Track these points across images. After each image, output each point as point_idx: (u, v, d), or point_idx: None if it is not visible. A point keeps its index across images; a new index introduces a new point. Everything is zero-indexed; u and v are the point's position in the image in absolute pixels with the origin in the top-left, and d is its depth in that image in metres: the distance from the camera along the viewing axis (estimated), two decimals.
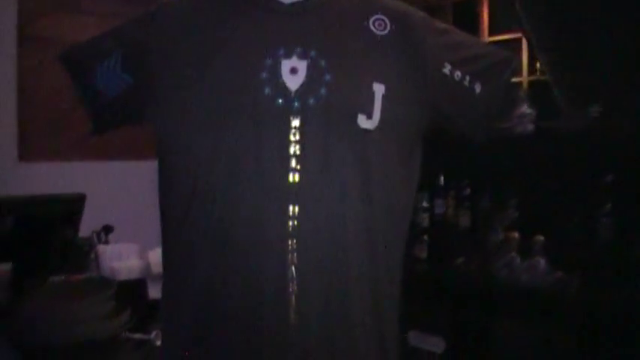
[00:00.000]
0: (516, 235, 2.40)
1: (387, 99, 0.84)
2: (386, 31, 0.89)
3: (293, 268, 0.82)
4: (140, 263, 1.87)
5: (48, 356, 1.49)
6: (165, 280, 0.93)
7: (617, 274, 2.25)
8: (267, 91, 0.82)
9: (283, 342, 0.82)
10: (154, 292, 1.84)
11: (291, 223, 0.81)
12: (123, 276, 1.82)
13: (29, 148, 3.18)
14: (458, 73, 0.89)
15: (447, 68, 0.90)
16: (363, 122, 0.83)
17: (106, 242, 2.19)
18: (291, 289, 0.81)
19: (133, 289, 1.79)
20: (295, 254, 0.81)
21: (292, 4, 0.88)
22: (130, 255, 1.92)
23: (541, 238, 2.32)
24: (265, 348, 0.82)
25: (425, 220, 2.68)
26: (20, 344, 1.54)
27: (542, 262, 2.28)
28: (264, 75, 0.82)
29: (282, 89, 0.82)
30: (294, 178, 0.82)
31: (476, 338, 2.40)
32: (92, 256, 2.23)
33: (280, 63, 0.83)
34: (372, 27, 0.89)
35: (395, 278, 0.91)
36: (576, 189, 2.31)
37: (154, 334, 1.56)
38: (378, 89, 0.84)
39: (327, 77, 0.83)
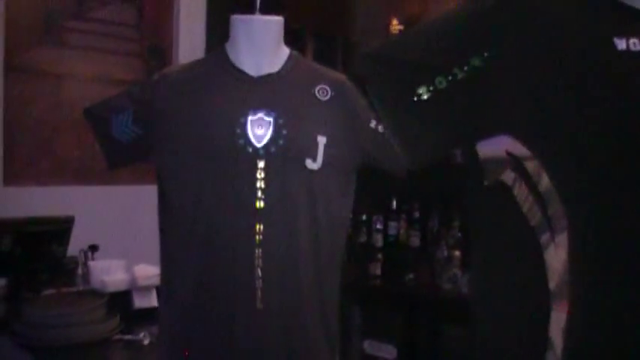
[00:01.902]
0: (459, 252, 2.77)
1: (328, 147, 1.20)
2: (327, 97, 1.25)
3: (259, 270, 1.17)
4: (127, 277, 2.19)
5: (52, 355, 1.80)
6: (162, 276, 1.27)
7: None
8: (240, 141, 1.17)
9: (252, 322, 1.17)
10: (139, 301, 2.17)
11: (257, 237, 1.17)
12: (112, 288, 2.14)
13: (14, 174, 3.46)
14: (380, 127, 1.25)
15: (373, 123, 1.26)
16: (310, 164, 1.19)
17: (93, 260, 2.50)
18: (257, 285, 1.16)
19: (120, 299, 2.11)
20: (260, 260, 1.16)
21: (258, 76, 1.24)
22: (118, 270, 2.24)
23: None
24: (239, 326, 1.17)
25: (379, 240, 3.02)
26: (26, 345, 1.85)
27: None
28: (237, 130, 1.18)
29: (250, 142, 1.17)
30: (259, 204, 1.17)
31: (425, 344, 2.75)
32: (79, 272, 2.54)
33: (249, 121, 1.18)
34: (317, 94, 1.25)
35: (335, 274, 1.26)
36: None
37: (141, 335, 1.88)
38: (321, 140, 1.19)
39: (284, 132, 1.19)
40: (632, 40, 0.71)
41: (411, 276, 2.90)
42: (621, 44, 0.71)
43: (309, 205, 1.19)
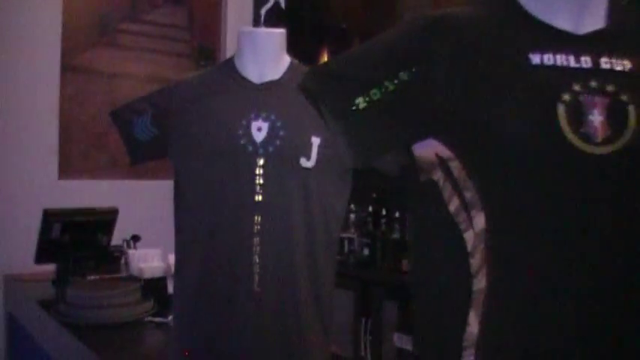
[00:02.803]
0: None
1: (322, 147, 1.34)
2: None
3: (256, 256, 1.32)
4: (162, 265, 2.39)
5: (90, 333, 2.00)
6: (176, 261, 1.44)
7: None
8: (242, 141, 1.33)
9: (250, 303, 1.32)
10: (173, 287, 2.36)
11: (256, 227, 1.32)
12: (148, 275, 2.33)
13: (68, 168, 3.71)
14: None
15: None
16: (304, 163, 1.33)
17: (135, 249, 2.71)
18: (255, 270, 1.32)
19: (155, 285, 2.30)
20: (258, 247, 1.32)
21: (260, 83, 1.40)
22: (154, 258, 2.44)
23: None
24: (238, 306, 1.32)
25: None
26: (67, 324, 2.06)
27: None
28: (240, 132, 1.33)
29: (252, 142, 1.33)
30: (258, 198, 1.32)
31: None
32: (122, 260, 2.76)
33: (251, 123, 1.34)
34: None
35: (329, 262, 1.40)
36: None
37: (169, 318, 2.06)
38: (315, 141, 1.33)
39: (281, 133, 1.33)
40: (546, 55, 0.83)
41: None
42: (535, 59, 0.82)
43: (303, 199, 1.34)
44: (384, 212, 3.23)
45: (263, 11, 1.44)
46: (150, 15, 4.06)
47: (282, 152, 1.32)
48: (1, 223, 3.23)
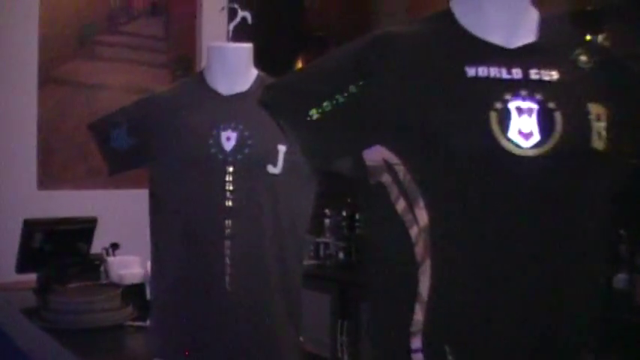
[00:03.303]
0: None
1: (288, 154, 1.43)
2: None
3: (228, 258, 1.41)
4: (141, 271, 2.46)
5: (73, 337, 2.07)
6: (153, 265, 1.52)
7: None
8: (212, 150, 1.42)
9: (222, 301, 1.41)
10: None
11: (227, 230, 1.41)
12: (128, 281, 2.41)
13: (47, 178, 3.77)
14: None
15: None
16: (271, 169, 1.42)
17: (114, 256, 2.78)
18: (226, 270, 1.40)
19: (135, 291, 2.38)
20: (229, 250, 1.40)
21: (229, 95, 1.49)
22: (133, 265, 2.52)
23: None
24: (211, 304, 1.41)
25: None
26: (51, 329, 2.13)
27: None
28: (210, 141, 1.42)
29: (221, 150, 1.41)
30: (229, 203, 1.41)
31: None
32: (102, 268, 2.83)
33: (221, 133, 1.43)
34: None
35: (296, 262, 1.50)
36: None
37: (148, 322, 2.13)
38: (281, 149, 1.42)
39: (249, 142, 1.42)
40: (480, 68, 0.92)
41: None
42: (471, 71, 0.92)
43: (271, 203, 1.43)
44: (357, 216, 3.33)
45: (231, 27, 1.53)
46: (127, 26, 4.14)
47: (250, 160, 1.41)
48: None
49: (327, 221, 3.41)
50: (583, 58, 0.98)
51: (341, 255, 3.31)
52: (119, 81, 4.03)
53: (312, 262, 3.44)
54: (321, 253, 3.38)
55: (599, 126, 0.93)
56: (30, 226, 2.64)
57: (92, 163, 3.71)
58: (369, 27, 4.48)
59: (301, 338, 1.58)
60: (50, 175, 3.76)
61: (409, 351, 0.93)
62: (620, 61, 1.04)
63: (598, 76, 0.98)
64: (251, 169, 1.41)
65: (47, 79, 3.83)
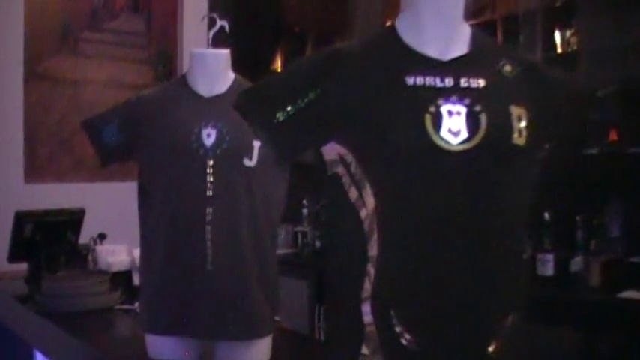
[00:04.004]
0: None
1: (262, 149, 1.61)
2: None
3: (209, 241, 1.59)
4: (128, 258, 2.65)
5: (65, 319, 2.25)
6: (141, 249, 1.71)
7: None
8: (194, 146, 1.60)
9: (204, 279, 1.60)
10: (138, 278, 2.61)
11: (207, 217, 1.59)
12: (115, 268, 2.59)
13: (34, 172, 3.92)
14: None
15: None
16: (247, 162, 1.61)
17: (101, 245, 2.96)
18: (208, 252, 1.59)
19: (122, 277, 2.56)
20: (210, 234, 1.59)
21: (209, 97, 1.67)
22: (121, 253, 2.70)
23: None
24: (195, 283, 1.60)
25: None
26: (44, 312, 2.31)
27: None
28: (192, 138, 1.60)
29: (202, 146, 1.60)
30: (209, 193, 1.60)
31: None
32: (90, 257, 3.00)
33: (202, 131, 1.61)
34: None
35: (271, 245, 1.69)
36: None
37: (136, 305, 2.32)
38: (256, 144, 1.61)
39: (227, 138, 1.61)
40: (418, 78, 1.11)
41: None
42: (410, 80, 1.11)
43: (247, 193, 1.62)
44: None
45: (210, 35, 1.72)
46: (110, 23, 4.29)
47: (228, 154, 1.60)
48: None
49: (304, 211, 3.60)
50: (507, 67, 1.18)
51: (317, 243, 3.51)
52: (102, 76, 4.19)
53: (291, 250, 3.63)
54: (299, 241, 3.58)
55: (520, 125, 1.13)
56: (21, 218, 2.81)
57: (78, 156, 3.87)
58: (346, 22, 4.67)
59: (277, 317, 1.77)
60: (36, 169, 3.91)
61: (361, 315, 1.12)
62: (540, 69, 1.24)
63: (520, 82, 1.17)
64: (229, 163, 1.60)
65: (32, 74, 3.96)
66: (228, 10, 4.45)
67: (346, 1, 4.46)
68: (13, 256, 2.83)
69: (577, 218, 2.89)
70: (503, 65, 1.18)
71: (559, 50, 3.46)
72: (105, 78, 4.20)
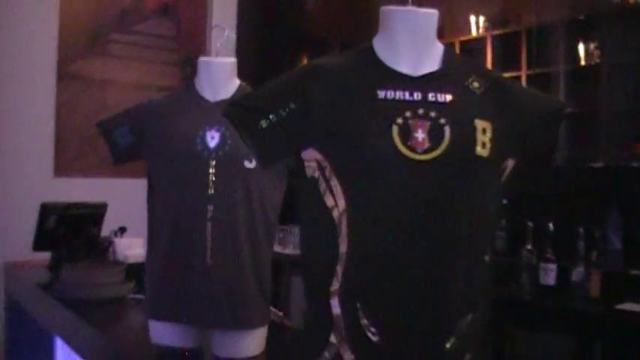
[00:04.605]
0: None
1: None
2: None
3: (210, 237, 1.73)
4: (143, 251, 2.79)
5: (82, 307, 2.41)
6: (148, 242, 1.85)
7: (509, 275, 3.12)
8: (199, 148, 1.74)
9: (204, 273, 1.74)
10: None
11: (208, 213, 1.73)
12: (131, 260, 2.75)
13: (62, 167, 4.13)
14: None
15: None
16: (247, 164, 1.74)
17: (121, 238, 3.12)
18: (207, 246, 1.73)
19: (137, 268, 2.71)
20: (210, 229, 1.73)
21: (215, 102, 1.81)
22: (137, 246, 2.86)
23: None
24: (195, 276, 1.74)
25: None
26: (62, 299, 2.48)
27: None
28: (197, 140, 1.75)
29: (206, 147, 1.74)
30: (211, 191, 1.74)
31: None
32: (110, 250, 3.17)
33: (206, 133, 1.75)
34: None
35: (268, 242, 1.82)
36: None
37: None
38: None
39: (229, 141, 1.75)
40: (388, 92, 1.23)
41: None
42: (381, 94, 1.23)
43: (245, 193, 1.76)
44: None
45: (217, 44, 1.86)
46: (139, 26, 4.48)
47: (230, 156, 1.74)
48: (2, 215, 3.66)
49: None
50: (475, 83, 1.29)
51: None
52: (130, 78, 4.37)
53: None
54: None
55: (484, 137, 1.24)
56: (46, 210, 2.99)
57: (103, 153, 4.03)
58: (369, 28, 4.80)
59: (272, 309, 1.90)
60: (65, 164, 4.11)
61: (330, 307, 1.24)
62: (509, 86, 1.35)
63: (487, 97, 1.28)
64: (230, 164, 1.74)
65: (64, 75, 4.17)
66: (253, 17, 4.63)
67: (369, 7, 4.56)
68: (38, 246, 3.01)
69: (579, 230, 2.97)
70: (471, 81, 1.29)
71: (582, 62, 3.53)
72: (133, 79, 4.39)
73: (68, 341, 2.46)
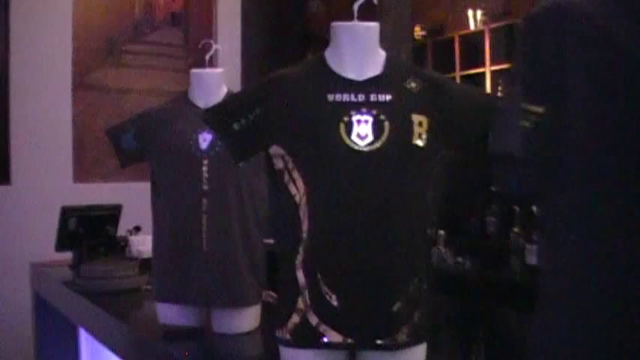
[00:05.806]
0: (443, 232, 3.52)
1: None
2: None
3: (205, 227, 2.03)
4: None
5: (100, 298, 2.72)
6: (153, 235, 2.16)
7: (499, 257, 3.37)
8: (192, 149, 2.04)
9: (201, 259, 2.03)
10: None
11: (204, 206, 2.03)
12: (145, 255, 3.06)
13: (81, 172, 4.47)
14: None
15: None
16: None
17: (136, 236, 3.44)
18: (203, 235, 2.02)
19: (150, 263, 3.01)
20: (205, 220, 2.02)
21: (206, 108, 2.10)
22: (150, 242, 3.15)
23: (442, 232, 3.46)
24: (194, 262, 2.03)
25: None
26: (83, 292, 2.79)
27: (444, 250, 3.41)
28: (191, 142, 2.04)
29: (199, 149, 2.03)
30: (205, 187, 2.02)
31: None
32: (127, 248, 3.48)
33: (199, 136, 2.04)
34: None
35: (258, 231, 2.10)
36: (470, 196, 3.43)
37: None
38: None
39: (219, 142, 2.04)
40: (336, 95, 1.51)
41: None
42: (330, 97, 1.50)
43: (236, 187, 2.04)
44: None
45: (207, 57, 2.16)
46: (150, 36, 4.80)
47: (220, 155, 2.03)
48: (26, 219, 4.03)
49: None
50: (413, 84, 1.56)
51: None
52: (143, 85, 4.70)
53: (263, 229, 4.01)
54: None
55: (420, 129, 1.51)
56: (66, 212, 3.31)
57: (117, 160, 4.36)
58: None
59: (269, 292, 2.19)
60: (83, 170, 4.44)
61: (296, 278, 1.52)
62: (444, 84, 1.61)
63: (424, 95, 1.55)
64: (221, 162, 2.02)
65: (80, 84, 4.51)
66: (258, 21, 4.93)
67: (374, 9, 4.81)
68: (60, 246, 3.32)
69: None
70: (409, 82, 1.56)
71: None
72: (146, 87, 4.71)
73: (91, 330, 2.77)
